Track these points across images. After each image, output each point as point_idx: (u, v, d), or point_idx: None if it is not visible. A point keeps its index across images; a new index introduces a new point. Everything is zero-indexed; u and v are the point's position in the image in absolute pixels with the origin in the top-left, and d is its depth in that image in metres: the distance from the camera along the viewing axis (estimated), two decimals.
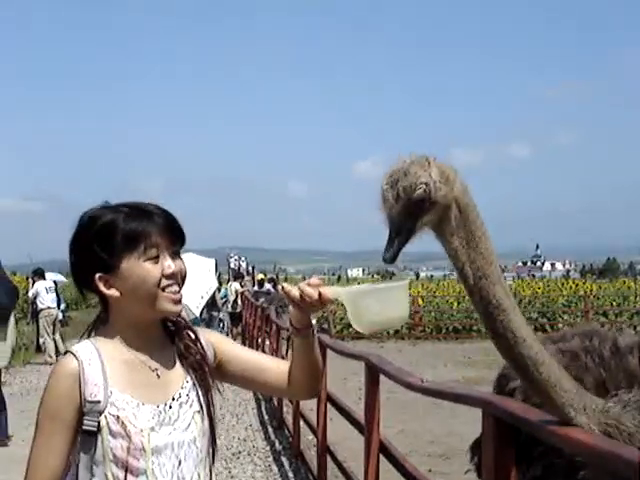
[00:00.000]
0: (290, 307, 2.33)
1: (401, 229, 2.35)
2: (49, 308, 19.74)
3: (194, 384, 2.34)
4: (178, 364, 2.35)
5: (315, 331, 2.38)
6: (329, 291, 2.23)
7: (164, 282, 2.23)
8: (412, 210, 2.33)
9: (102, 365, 2.23)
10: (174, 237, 2.28)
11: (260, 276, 28.22)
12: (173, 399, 2.29)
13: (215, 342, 2.46)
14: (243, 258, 33.67)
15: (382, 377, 4.81)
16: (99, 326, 2.37)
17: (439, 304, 30.99)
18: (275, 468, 9.20)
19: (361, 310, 2.19)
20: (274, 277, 33.67)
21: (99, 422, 2.19)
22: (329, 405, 7.35)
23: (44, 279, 20.20)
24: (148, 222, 2.23)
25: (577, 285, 34.53)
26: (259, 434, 11.27)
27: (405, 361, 17.53)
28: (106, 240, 2.22)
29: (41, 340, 19.76)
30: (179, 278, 2.27)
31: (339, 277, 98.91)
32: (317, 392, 2.60)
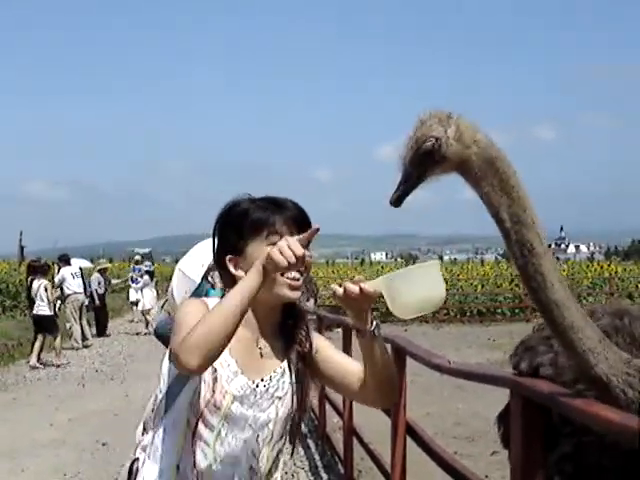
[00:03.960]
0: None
1: (409, 177, 2.45)
2: (75, 293, 19.94)
3: (286, 372, 2.50)
4: (281, 350, 2.52)
5: (375, 332, 2.39)
6: (369, 284, 2.25)
7: None
8: (421, 160, 2.43)
9: None
10: (300, 227, 2.40)
11: None
12: (262, 379, 2.46)
13: (316, 341, 2.59)
14: None
15: (407, 360, 4.83)
16: None
17: (463, 287, 30.95)
18: (301, 451, 9.23)
19: (394, 293, 2.21)
20: None
21: None
22: None
23: (70, 265, 20.36)
24: (275, 212, 2.42)
25: (602, 267, 34.39)
26: None
27: (429, 344, 17.45)
28: (237, 226, 2.44)
29: (68, 325, 19.95)
30: (300, 265, 2.28)
31: (362, 261, 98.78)
32: (391, 400, 2.64)
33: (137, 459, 2.59)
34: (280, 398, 2.48)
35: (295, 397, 2.50)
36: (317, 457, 8.91)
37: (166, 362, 2.53)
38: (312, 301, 19.09)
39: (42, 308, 16.73)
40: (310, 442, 9.57)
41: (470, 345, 19.90)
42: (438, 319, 27.65)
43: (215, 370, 2.38)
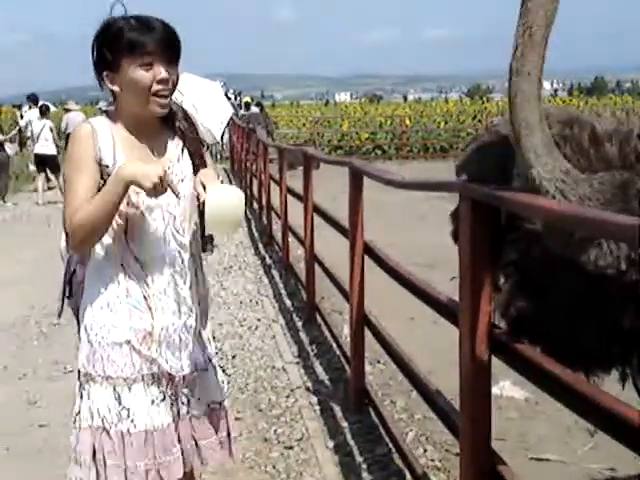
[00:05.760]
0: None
1: None
2: None
3: (180, 158, 2.81)
4: (172, 146, 2.82)
5: None
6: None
7: (155, 87, 2.60)
8: None
9: (112, 136, 2.68)
10: (170, 50, 2.63)
11: (246, 99, 27.97)
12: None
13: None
14: (231, 90, 33.26)
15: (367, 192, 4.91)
16: (110, 111, 2.81)
17: (426, 124, 30.96)
18: (266, 280, 9.48)
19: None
20: (260, 101, 33.36)
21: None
22: (318, 220, 7.36)
23: (37, 106, 19.95)
24: (148, 34, 2.59)
25: (564, 102, 34.44)
26: (249, 250, 11.55)
27: None
28: (113, 44, 2.61)
29: (32, 168, 19.81)
30: (170, 85, 2.64)
31: (327, 102, 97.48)
32: None
33: (75, 271, 2.97)
34: (182, 180, 2.76)
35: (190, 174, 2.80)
36: (281, 285, 9.16)
37: None
38: (269, 138, 19.16)
39: (47, 147, 17.47)
40: (274, 272, 9.81)
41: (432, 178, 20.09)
42: (402, 156, 27.81)
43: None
